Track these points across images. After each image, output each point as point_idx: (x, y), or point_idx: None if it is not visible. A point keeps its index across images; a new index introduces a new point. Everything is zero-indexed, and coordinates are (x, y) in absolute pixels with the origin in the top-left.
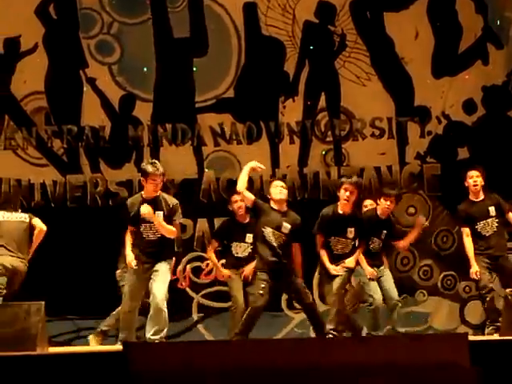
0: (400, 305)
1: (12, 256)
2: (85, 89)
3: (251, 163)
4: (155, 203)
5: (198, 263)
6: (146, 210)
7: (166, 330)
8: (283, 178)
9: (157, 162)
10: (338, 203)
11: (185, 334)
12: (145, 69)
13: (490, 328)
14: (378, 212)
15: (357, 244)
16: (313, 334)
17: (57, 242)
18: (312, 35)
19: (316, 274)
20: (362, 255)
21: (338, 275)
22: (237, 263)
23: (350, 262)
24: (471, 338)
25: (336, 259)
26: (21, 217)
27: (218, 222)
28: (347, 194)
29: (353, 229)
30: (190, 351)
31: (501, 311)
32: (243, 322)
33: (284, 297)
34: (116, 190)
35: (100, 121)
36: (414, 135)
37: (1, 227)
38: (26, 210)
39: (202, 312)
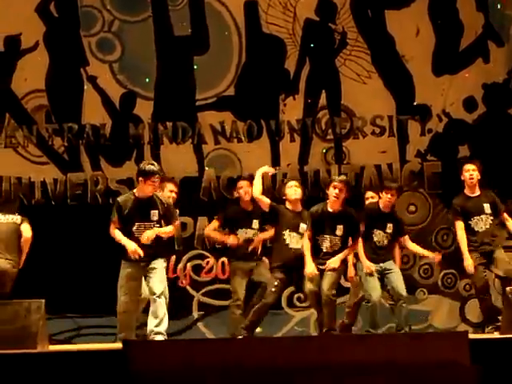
0: (405, 303)
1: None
2: (85, 87)
3: (262, 168)
4: (150, 203)
5: (198, 261)
6: (146, 237)
7: (166, 321)
8: (297, 178)
9: (156, 163)
10: (328, 201)
11: (185, 332)
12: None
13: (490, 327)
14: (381, 205)
15: (349, 242)
16: (313, 332)
17: (57, 240)
18: (313, 33)
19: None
20: (362, 249)
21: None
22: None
23: (333, 262)
24: (471, 336)
25: (324, 257)
26: (12, 218)
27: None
28: (336, 191)
29: (342, 226)
30: (191, 349)
31: (499, 309)
32: (251, 318)
33: (284, 295)
34: (116, 187)
35: (101, 119)
36: (415, 133)
37: None
38: (26, 208)
39: (203, 310)
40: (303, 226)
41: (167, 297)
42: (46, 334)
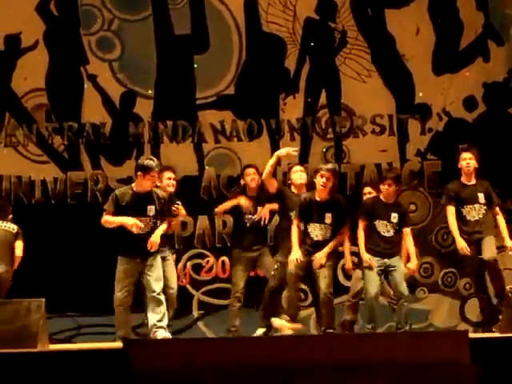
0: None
1: None
2: (85, 86)
3: (280, 151)
4: (147, 198)
5: (198, 260)
6: (151, 246)
7: (167, 317)
8: (302, 163)
9: (155, 158)
10: (315, 190)
11: (185, 332)
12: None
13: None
14: (382, 198)
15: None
16: (313, 331)
17: (57, 239)
18: (313, 32)
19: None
20: (362, 243)
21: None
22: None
23: (320, 258)
24: (471, 335)
25: (316, 246)
26: (8, 226)
27: (218, 219)
28: (323, 180)
29: (330, 214)
30: (191, 348)
31: (499, 309)
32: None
33: (284, 294)
34: (117, 186)
35: (101, 117)
36: (415, 132)
37: None
38: (26, 207)
39: (203, 309)
40: None
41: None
42: (47, 333)
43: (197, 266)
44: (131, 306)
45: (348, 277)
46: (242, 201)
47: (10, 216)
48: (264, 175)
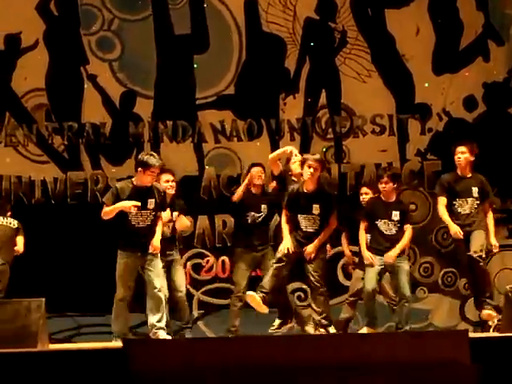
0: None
1: None
2: (85, 85)
3: (287, 147)
4: (148, 192)
5: (198, 260)
6: (153, 248)
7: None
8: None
9: (155, 154)
10: (303, 181)
11: (183, 331)
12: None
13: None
14: (382, 197)
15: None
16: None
17: (57, 239)
18: (313, 32)
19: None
20: (363, 241)
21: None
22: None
23: (310, 249)
24: (471, 335)
25: (306, 237)
26: (8, 222)
27: (218, 218)
28: (311, 170)
29: (318, 205)
30: (191, 348)
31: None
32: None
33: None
34: None
35: (101, 117)
36: (415, 132)
37: None
38: (26, 207)
39: (203, 309)
40: None
41: (166, 293)
42: (46, 333)
43: (197, 265)
44: (130, 304)
45: (348, 276)
46: (254, 171)
47: (9, 213)
48: (271, 157)
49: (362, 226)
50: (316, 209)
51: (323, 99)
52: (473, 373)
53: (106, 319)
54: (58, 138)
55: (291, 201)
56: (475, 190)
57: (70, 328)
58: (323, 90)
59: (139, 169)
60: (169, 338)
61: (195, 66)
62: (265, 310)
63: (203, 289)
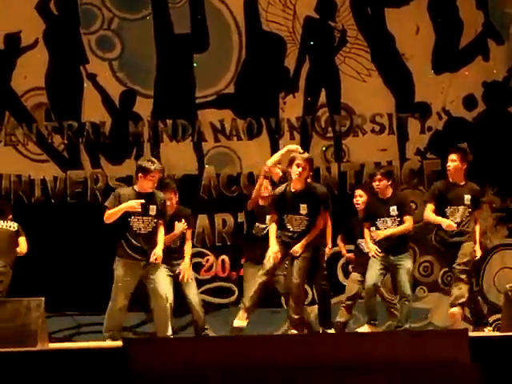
0: (408, 300)
1: None
2: (85, 85)
3: (289, 146)
4: (150, 198)
5: (198, 259)
6: (155, 257)
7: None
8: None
9: (155, 159)
10: (290, 181)
11: (185, 330)
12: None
13: (488, 327)
14: (378, 195)
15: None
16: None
17: (57, 238)
18: (312, 31)
19: None
20: (367, 235)
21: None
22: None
23: (296, 248)
24: (471, 334)
25: (293, 238)
26: (8, 225)
27: (218, 218)
28: (299, 169)
29: (305, 205)
30: (191, 347)
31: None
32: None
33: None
34: (116, 185)
35: (100, 117)
36: (415, 131)
37: None
38: (26, 206)
39: (203, 308)
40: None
41: (172, 301)
42: (46, 332)
43: (196, 264)
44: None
45: (348, 276)
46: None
47: (10, 216)
48: (270, 162)
49: (366, 226)
50: (304, 209)
51: (323, 98)
52: (473, 372)
53: None
54: (58, 137)
55: (278, 201)
56: (467, 197)
57: (69, 327)
58: (323, 89)
59: (139, 174)
60: None
61: (195, 65)
62: (242, 325)
63: (203, 288)
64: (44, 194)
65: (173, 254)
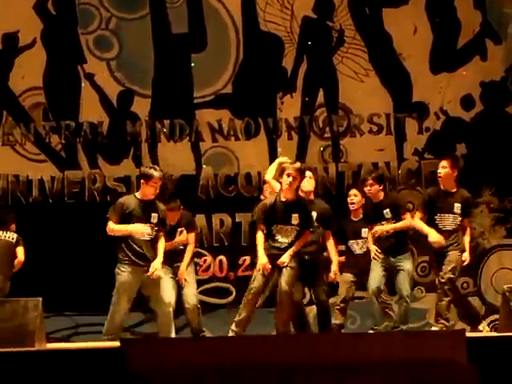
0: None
1: None
2: (83, 84)
3: (281, 158)
4: (151, 206)
5: (195, 259)
6: (154, 269)
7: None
8: (310, 168)
9: (157, 167)
10: (280, 191)
11: (182, 331)
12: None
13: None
14: (371, 199)
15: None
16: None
17: (55, 238)
18: (310, 31)
19: None
20: (370, 240)
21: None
22: None
23: (284, 257)
24: (469, 334)
25: (283, 249)
26: (7, 236)
27: (215, 218)
28: (290, 179)
29: (297, 215)
30: (188, 347)
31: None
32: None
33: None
34: (114, 185)
35: (98, 116)
36: (412, 131)
37: None
38: (24, 207)
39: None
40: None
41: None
42: (44, 332)
43: (194, 265)
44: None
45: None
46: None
47: (13, 225)
48: (266, 176)
49: (368, 229)
50: (295, 218)
51: (321, 98)
52: (470, 372)
53: (104, 319)
54: (56, 137)
55: (268, 213)
56: (457, 206)
57: (67, 327)
58: (321, 89)
59: (142, 181)
60: None
61: (193, 64)
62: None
63: (200, 288)
64: (42, 194)
65: (175, 256)
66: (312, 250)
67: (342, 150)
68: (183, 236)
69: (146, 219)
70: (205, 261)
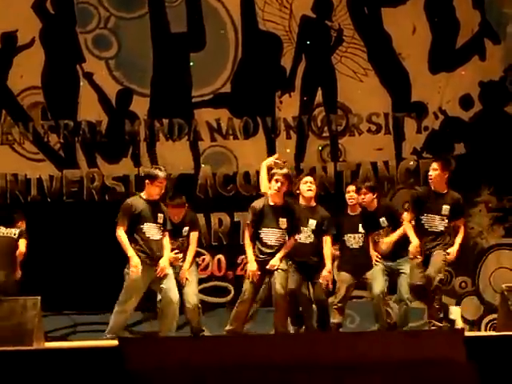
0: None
1: None
2: (81, 83)
3: (265, 162)
4: (157, 206)
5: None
6: (160, 269)
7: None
8: (312, 173)
9: (162, 167)
10: (268, 196)
11: (181, 329)
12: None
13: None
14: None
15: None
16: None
17: (53, 237)
18: (309, 30)
19: None
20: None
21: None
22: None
23: (274, 261)
24: (467, 333)
25: (271, 253)
26: (10, 232)
27: (214, 217)
28: (278, 184)
29: (285, 219)
30: (187, 346)
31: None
32: None
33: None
34: (112, 184)
35: (97, 115)
36: (411, 131)
37: None
38: (22, 205)
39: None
40: (312, 222)
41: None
42: (42, 331)
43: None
44: None
45: None
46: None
47: (20, 223)
48: (263, 188)
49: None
50: (283, 223)
51: (319, 97)
52: (468, 371)
53: (102, 317)
54: (54, 136)
55: (257, 216)
56: (446, 207)
57: (66, 326)
58: (319, 89)
59: (147, 181)
60: None
61: (191, 64)
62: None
63: (199, 287)
64: (40, 193)
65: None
66: (316, 260)
67: (340, 149)
68: (173, 255)
69: (153, 220)
70: (203, 260)
